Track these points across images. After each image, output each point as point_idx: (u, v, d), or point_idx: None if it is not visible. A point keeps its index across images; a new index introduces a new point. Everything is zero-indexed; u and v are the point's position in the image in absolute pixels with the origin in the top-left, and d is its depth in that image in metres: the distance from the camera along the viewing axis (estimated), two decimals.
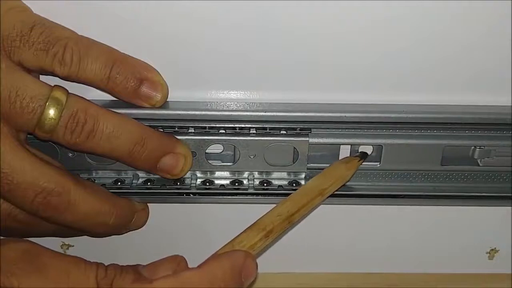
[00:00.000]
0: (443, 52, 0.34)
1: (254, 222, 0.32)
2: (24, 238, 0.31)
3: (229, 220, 0.40)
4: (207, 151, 0.36)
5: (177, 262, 0.31)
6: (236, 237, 0.32)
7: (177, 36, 0.33)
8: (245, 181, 0.37)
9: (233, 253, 0.30)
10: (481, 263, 0.43)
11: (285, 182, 0.37)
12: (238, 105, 0.35)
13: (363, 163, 0.37)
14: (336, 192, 0.36)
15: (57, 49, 0.31)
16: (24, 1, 0.32)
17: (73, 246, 0.41)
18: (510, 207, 0.40)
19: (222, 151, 0.38)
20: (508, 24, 0.33)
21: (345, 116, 0.35)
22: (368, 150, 0.37)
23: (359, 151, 0.37)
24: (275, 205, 0.34)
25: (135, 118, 0.34)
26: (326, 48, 0.34)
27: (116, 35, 0.33)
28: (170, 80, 0.34)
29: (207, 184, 0.37)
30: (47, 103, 0.31)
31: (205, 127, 0.35)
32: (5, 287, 0.27)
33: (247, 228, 0.32)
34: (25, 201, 0.32)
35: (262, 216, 0.33)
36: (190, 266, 0.31)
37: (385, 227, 0.41)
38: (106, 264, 0.30)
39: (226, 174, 0.37)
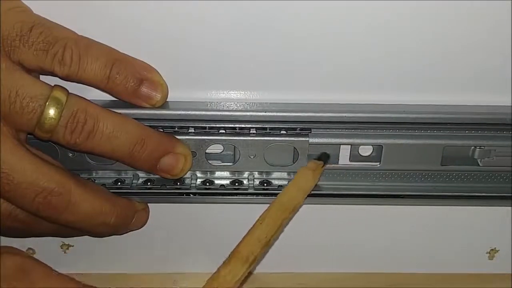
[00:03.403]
0: (443, 52, 0.34)
1: (234, 251, 0.32)
2: (19, 249, 0.31)
3: (229, 220, 0.40)
4: (207, 151, 0.36)
5: None
6: (218, 271, 0.31)
7: (177, 36, 0.33)
8: (245, 181, 0.37)
9: None
10: (481, 263, 0.43)
11: (285, 182, 0.37)
12: (238, 105, 0.35)
13: (364, 163, 0.37)
14: (335, 192, 0.36)
15: (56, 49, 0.31)
16: (24, 1, 0.32)
17: (73, 246, 0.41)
18: (510, 207, 0.40)
19: (222, 151, 0.38)
20: (508, 24, 0.33)
21: (345, 116, 0.35)
22: (368, 150, 0.37)
23: (359, 151, 0.37)
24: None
25: (135, 118, 0.34)
26: (326, 48, 0.34)
27: (116, 35, 0.33)
28: (170, 80, 0.34)
29: (207, 184, 0.37)
30: (47, 103, 0.31)
31: (205, 127, 0.35)
32: None
33: (228, 261, 0.31)
34: (26, 201, 0.32)
35: (241, 243, 0.32)
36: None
37: (385, 227, 0.41)
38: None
39: (226, 174, 0.37)
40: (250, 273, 0.30)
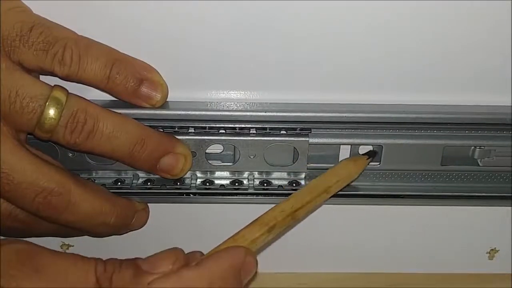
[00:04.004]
0: (443, 52, 0.34)
1: (257, 217, 0.32)
2: (21, 238, 0.31)
3: (229, 220, 0.39)
4: (207, 151, 0.36)
5: (176, 256, 0.30)
6: (239, 231, 0.32)
7: (177, 36, 0.33)
8: (245, 181, 0.37)
9: (233, 250, 0.30)
10: (481, 263, 0.43)
11: (285, 182, 0.37)
12: (238, 105, 0.35)
13: None
14: (335, 192, 0.36)
15: (56, 49, 0.31)
16: (24, 1, 0.32)
17: (73, 246, 0.41)
18: (510, 207, 0.40)
19: (222, 151, 0.38)
20: (508, 24, 0.33)
21: (345, 116, 0.35)
22: (368, 150, 0.37)
23: (359, 151, 0.37)
24: (275, 204, 0.34)
25: (135, 118, 0.34)
26: (326, 48, 0.34)
27: (116, 36, 0.33)
28: (170, 80, 0.34)
29: (207, 184, 0.37)
30: (47, 103, 0.31)
31: (205, 127, 0.35)
32: None
33: (250, 223, 0.32)
34: (26, 201, 0.32)
35: (266, 212, 0.33)
36: None
37: (385, 227, 0.41)
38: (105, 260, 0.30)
39: (226, 174, 0.37)
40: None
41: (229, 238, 0.31)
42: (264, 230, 0.31)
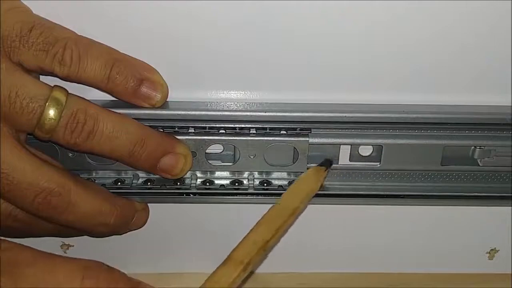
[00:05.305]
0: (443, 52, 0.34)
1: (230, 254, 0.31)
2: (6, 238, 0.30)
3: (229, 220, 0.40)
4: (207, 151, 0.36)
5: None
6: (215, 272, 0.31)
7: (177, 36, 0.33)
8: (245, 181, 0.37)
9: None
10: (481, 263, 0.43)
11: (285, 182, 0.37)
12: (238, 105, 0.35)
13: (364, 163, 0.37)
14: (335, 192, 0.36)
15: (56, 49, 0.31)
16: (24, 1, 0.32)
17: (73, 246, 0.41)
18: (510, 207, 0.40)
19: (222, 151, 0.38)
20: (508, 24, 0.33)
21: (345, 116, 0.35)
22: (368, 150, 0.37)
23: (359, 151, 0.37)
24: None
25: (135, 118, 0.34)
26: (326, 48, 0.34)
27: (116, 35, 0.33)
28: (170, 80, 0.34)
29: (207, 184, 0.37)
30: (47, 104, 0.31)
31: (205, 127, 0.35)
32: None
33: (223, 263, 0.31)
34: (25, 201, 0.32)
35: (237, 247, 0.32)
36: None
37: (385, 227, 0.41)
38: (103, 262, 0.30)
39: (226, 174, 0.37)
40: (252, 272, 0.30)
41: (207, 280, 0.30)
42: (240, 269, 0.30)
